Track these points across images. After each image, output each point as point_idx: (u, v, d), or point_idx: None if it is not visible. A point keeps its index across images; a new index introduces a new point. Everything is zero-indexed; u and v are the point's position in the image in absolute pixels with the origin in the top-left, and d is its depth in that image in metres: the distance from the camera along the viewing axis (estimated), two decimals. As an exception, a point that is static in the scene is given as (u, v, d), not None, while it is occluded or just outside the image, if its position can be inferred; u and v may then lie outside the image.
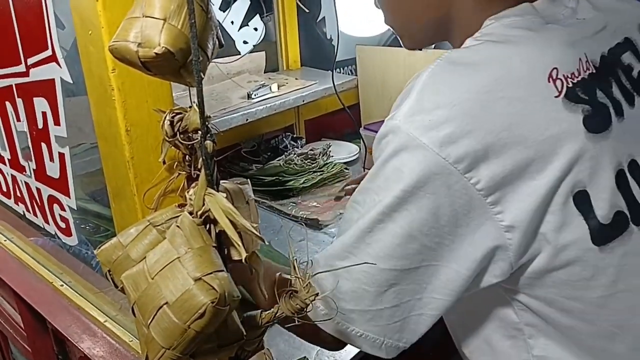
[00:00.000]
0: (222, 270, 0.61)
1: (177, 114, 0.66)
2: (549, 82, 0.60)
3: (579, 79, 0.62)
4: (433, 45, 0.96)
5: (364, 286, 0.63)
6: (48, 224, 1.12)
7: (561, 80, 0.61)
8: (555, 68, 0.61)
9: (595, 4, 0.70)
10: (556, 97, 0.60)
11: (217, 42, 0.65)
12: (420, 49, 0.82)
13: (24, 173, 1.14)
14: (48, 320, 1.16)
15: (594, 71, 0.64)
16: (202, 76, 0.60)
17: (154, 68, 0.60)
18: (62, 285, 1.15)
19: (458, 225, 0.59)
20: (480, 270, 0.62)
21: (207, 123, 0.63)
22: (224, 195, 0.65)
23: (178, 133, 0.66)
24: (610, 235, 0.61)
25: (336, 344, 0.71)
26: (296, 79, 1.82)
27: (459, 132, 0.57)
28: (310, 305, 0.66)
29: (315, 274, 0.65)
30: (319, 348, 0.98)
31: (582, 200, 0.59)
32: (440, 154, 0.56)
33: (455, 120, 0.57)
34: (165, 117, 0.66)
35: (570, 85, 0.61)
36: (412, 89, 0.61)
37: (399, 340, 0.65)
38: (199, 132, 0.63)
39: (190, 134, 0.67)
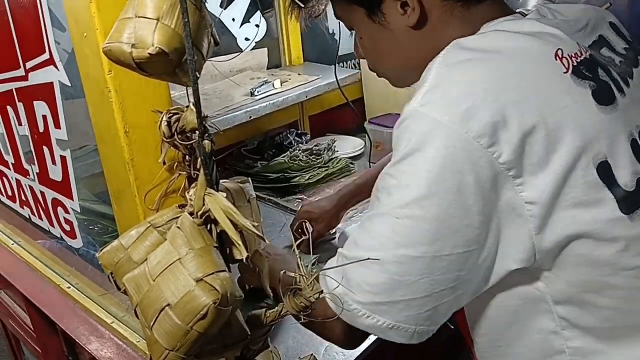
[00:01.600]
0: (224, 271, 0.61)
1: (174, 114, 0.66)
2: (556, 60, 0.63)
3: (582, 58, 0.65)
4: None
5: (396, 277, 0.61)
6: (53, 226, 1.13)
7: (567, 59, 0.64)
8: (560, 49, 0.64)
9: (565, 13, 0.75)
10: (564, 73, 0.62)
11: (212, 40, 0.65)
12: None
13: (28, 177, 1.14)
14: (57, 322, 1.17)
15: (589, 57, 0.67)
16: (198, 75, 0.60)
17: (148, 68, 0.59)
18: (69, 287, 1.15)
19: (485, 203, 0.59)
20: (506, 250, 0.62)
21: (204, 122, 0.62)
22: (224, 194, 0.64)
23: (176, 133, 0.66)
24: (637, 201, 0.62)
25: (353, 340, 0.72)
26: (299, 74, 1.81)
27: (477, 107, 0.57)
28: (331, 301, 0.66)
29: (336, 267, 0.66)
30: (327, 344, 0.98)
31: (605, 171, 0.60)
32: (461, 130, 0.57)
33: (472, 96, 0.58)
34: (162, 118, 0.65)
35: (575, 63, 0.64)
36: (427, 75, 0.62)
37: (430, 325, 0.65)
38: (197, 131, 0.63)
39: (188, 134, 0.67)
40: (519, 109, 0.58)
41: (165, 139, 0.67)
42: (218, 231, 0.65)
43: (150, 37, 0.57)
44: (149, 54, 0.57)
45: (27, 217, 1.25)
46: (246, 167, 1.69)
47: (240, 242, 0.61)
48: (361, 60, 1.87)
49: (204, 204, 0.64)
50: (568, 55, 0.64)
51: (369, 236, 0.64)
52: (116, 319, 1.04)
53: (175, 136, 0.66)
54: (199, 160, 0.64)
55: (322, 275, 0.69)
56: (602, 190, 0.60)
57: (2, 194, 1.37)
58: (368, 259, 0.63)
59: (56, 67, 0.84)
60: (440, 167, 0.58)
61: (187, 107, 0.65)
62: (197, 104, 0.61)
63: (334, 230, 1.32)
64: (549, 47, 0.64)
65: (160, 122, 0.65)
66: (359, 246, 0.65)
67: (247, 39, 1.85)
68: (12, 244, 1.39)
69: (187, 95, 0.71)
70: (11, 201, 1.31)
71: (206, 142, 0.62)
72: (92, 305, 1.09)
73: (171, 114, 0.65)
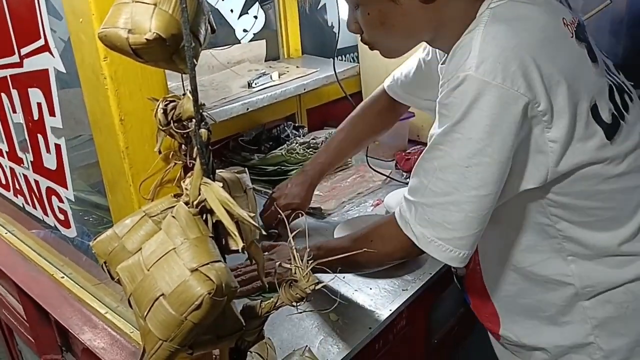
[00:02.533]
0: (219, 261, 0.60)
1: (171, 102, 0.65)
2: (564, 26, 0.81)
3: (576, 25, 0.84)
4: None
5: (471, 214, 0.77)
6: (47, 216, 1.12)
7: (568, 26, 0.82)
8: (564, 17, 0.82)
9: None
10: (570, 37, 0.81)
11: (209, 28, 0.64)
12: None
13: (22, 165, 1.13)
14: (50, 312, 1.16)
15: (579, 23, 0.85)
16: (195, 62, 0.59)
17: (145, 55, 0.58)
18: (62, 277, 1.15)
19: (523, 142, 0.76)
20: (527, 176, 0.80)
21: (201, 111, 0.62)
22: (221, 184, 0.63)
23: (172, 122, 0.65)
24: (614, 130, 0.81)
25: (410, 252, 0.86)
26: (297, 67, 1.80)
27: (523, 68, 0.72)
28: (415, 236, 0.81)
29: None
30: (322, 337, 0.98)
31: (595, 112, 0.79)
32: (512, 89, 0.72)
33: (516, 60, 0.72)
34: (158, 106, 0.64)
35: (574, 30, 0.82)
36: (472, 45, 0.75)
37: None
38: (194, 120, 0.62)
39: (184, 123, 0.66)
40: (551, 68, 0.74)
41: (161, 127, 0.66)
42: (214, 221, 0.65)
43: (147, 23, 0.56)
44: (146, 39, 0.55)
45: (21, 206, 1.24)
46: (243, 160, 1.69)
47: (236, 233, 0.61)
48: (360, 54, 1.88)
49: (199, 194, 0.63)
50: (569, 22, 0.82)
51: (442, 184, 0.77)
52: (110, 309, 1.03)
53: (172, 124, 0.65)
54: (195, 149, 0.63)
55: (412, 225, 0.83)
56: (594, 125, 0.79)
57: (-5, 183, 1.35)
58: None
59: (51, 53, 0.83)
60: (496, 119, 0.72)
61: (184, 95, 0.64)
62: (194, 91, 0.60)
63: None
64: (557, 15, 0.81)
65: (156, 109, 0.64)
66: (434, 192, 0.79)
67: (245, 31, 1.84)
68: (6, 233, 1.38)
69: (183, 84, 0.70)
70: (5, 190, 1.30)
71: (203, 130, 0.61)
72: (85, 296, 1.08)
73: (167, 102, 0.64)
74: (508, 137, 0.73)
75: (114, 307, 1.02)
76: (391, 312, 1.03)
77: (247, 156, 1.70)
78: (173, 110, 0.64)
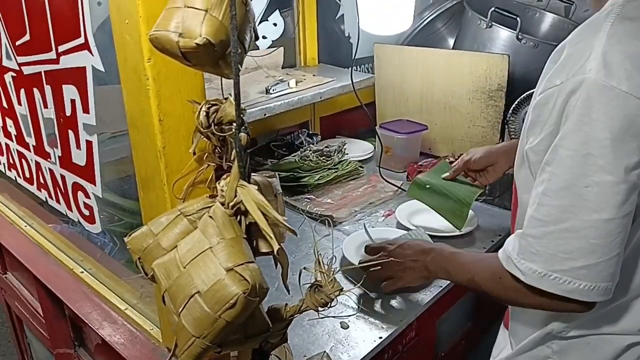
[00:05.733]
0: (253, 262, 0.62)
1: (213, 105, 0.67)
2: None
3: None
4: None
5: (593, 240, 0.66)
6: (71, 210, 1.13)
7: None
8: None
9: None
10: None
11: (253, 35, 0.66)
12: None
13: (49, 160, 1.15)
14: (67, 306, 1.17)
15: None
16: (240, 68, 0.61)
17: (193, 58, 0.60)
18: (82, 272, 1.16)
19: None
20: None
21: (242, 115, 0.64)
22: (256, 187, 0.65)
23: (212, 124, 0.67)
24: None
25: (555, 305, 0.74)
26: (314, 75, 1.82)
27: None
28: (521, 271, 0.72)
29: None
30: (332, 344, 0.98)
31: None
32: (635, 95, 0.62)
33: None
34: (201, 108, 0.66)
35: None
36: (592, 47, 0.65)
37: (618, 276, 0.70)
38: (234, 124, 0.64)
39: (224, 126, 0.67)
40: None
41: (200, 129, 0.67)
42: (247, 223, 0.66)
43: (198, 28, 0.57)
44: (196, 44, 0.57)
45: (44, 200, 1.26)
46: (256, 165, 1.69)
47: (272, 235, 0.62)
48: (376, 65, 1.89)
49: (236, 195, 0.65)
50: None
51: (554, 210, 0.68)
52: (130, 305, 1.04)
53: (212, 127, 0.67)
54: (234, 152, 0.65)
55: (515, 260, 0.74)
56: None
57: (19, 176, 1.37)
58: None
59: (91, 52, 0.84)
60: (622, 134, 0.63)
61: (226, 99, 0.66)
62: (237, 96, 0.62)
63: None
64: None
65: (199, 112, 0.66)
66: (542, 221, 0.69)
67: (264, 37, 1.86)
68: (25, 226, 1.39)
69: (222, 89, 0.72)
70: (28, 183, 1.31)
71: (242, 134, 0.63)
72: (105, 291, 1.09)
73: (210, 105, 0.66)
74: (633, 152, 0.63)
75: (133, 303, 1.03)
76: (401, 322, 1.04)
77: (260, 161, 1.71)
78: (215, 114, 0.66)
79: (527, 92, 1.49)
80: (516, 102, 1.52)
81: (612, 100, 0.62)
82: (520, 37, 1.53)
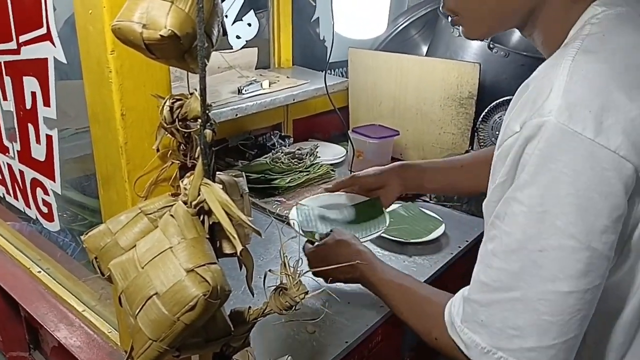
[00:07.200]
0: (215, 263, 0.60)
1: (177, 100, 0.64)
2: None
3: None
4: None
5: (546, 317, 0.56)
6: (29, 207, 1.09)
7: None
8: None
9: None
10: None
11: (221, 30, 0.64)
12: (480, 40, 0.75)
13: (7, 154, 1.10)
14: (22, 308, 1.13)
15: None
16: (206, 62, 0.59)
17: (157, 51, 0.58)
18: (39, 272, 1.12)
19: (624, 214, 0.55)
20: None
21: (207, 111, 0.62)
22: (220, 186, 0.63)
23: (177, 120, 0.65)
24: None
25: None
26: (287, 77, 1.81)
27: (616, 119, 0.53)
28: (464, 343, 0.63)
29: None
30: (298, 347, 0.97)
31: None
32: (604, 144, 0.52)
33: (611, 110, 0.53)
34: (165, 103, 0.64)
35: None
36: (552, 85, 0.56)
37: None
38: (199, 120, 0.62)
39: (189, 122, 0.65)
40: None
41: (164, 125, 0.65)
42: (210, 223, 0.64)
43: (163, 19, 0.55)
44: (160, 36, 0.55)
45: (2, 196, 1.21)
46: (227, 165, 1.68)
47: (235, 235, 0.60)
48: (350, 69, 1.89)
49: (199, 194, 0.63)
50: None
51: (502, 272, 0.58)
52: (88, 307, 1.01)
53: (176, 123, 0.65)
54: (198, 149, 0.63)
55: (458, 328, 0.65)
56: None
57: (-25, 171, 1.31)
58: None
59: (53, 43, 0.81)
60: (586, 189, 0.53)
61: (192, 94, 0.64)
62: (203, 91, 0.60)
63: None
64: None
65: (162, 107, 0.64)
66: (491, 288, 0.59)
67: (238, 37, 1.84)
68: (-20, 224, 1.33)
69: (188, 84, 0.70)
70: (-16, 179, 1.26)
71: (207, 131, 0.61)
72: (63, 292, 1.05)
73: (174, 100, 0.64)
74: (603, 213, 0.53)
75: (92, 305, 1.00)
76: (368, 327, 1.03)
77: (231, 162, 1.69)
78: (179, 109, 0.64)
79: (497, 101, 1.52)
80: (486, 110, 1.55)
81: (577, 149, 0.53)
82: (491, 46, 1.55)
